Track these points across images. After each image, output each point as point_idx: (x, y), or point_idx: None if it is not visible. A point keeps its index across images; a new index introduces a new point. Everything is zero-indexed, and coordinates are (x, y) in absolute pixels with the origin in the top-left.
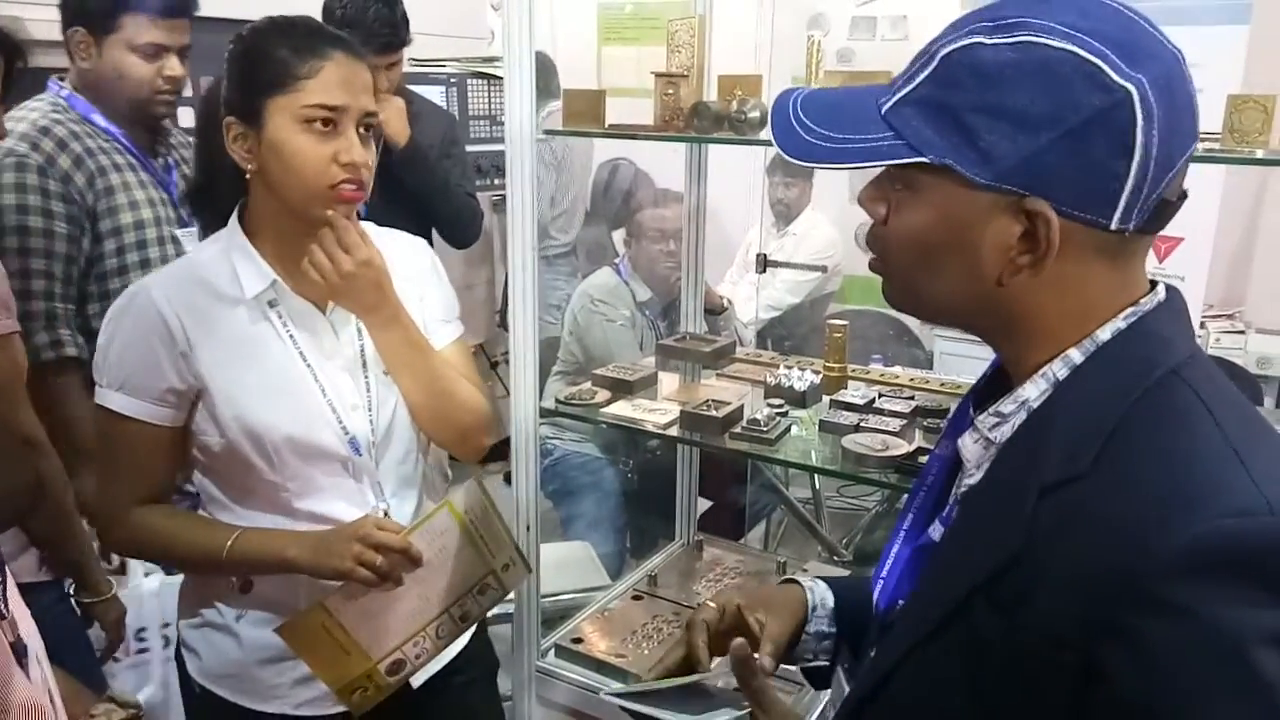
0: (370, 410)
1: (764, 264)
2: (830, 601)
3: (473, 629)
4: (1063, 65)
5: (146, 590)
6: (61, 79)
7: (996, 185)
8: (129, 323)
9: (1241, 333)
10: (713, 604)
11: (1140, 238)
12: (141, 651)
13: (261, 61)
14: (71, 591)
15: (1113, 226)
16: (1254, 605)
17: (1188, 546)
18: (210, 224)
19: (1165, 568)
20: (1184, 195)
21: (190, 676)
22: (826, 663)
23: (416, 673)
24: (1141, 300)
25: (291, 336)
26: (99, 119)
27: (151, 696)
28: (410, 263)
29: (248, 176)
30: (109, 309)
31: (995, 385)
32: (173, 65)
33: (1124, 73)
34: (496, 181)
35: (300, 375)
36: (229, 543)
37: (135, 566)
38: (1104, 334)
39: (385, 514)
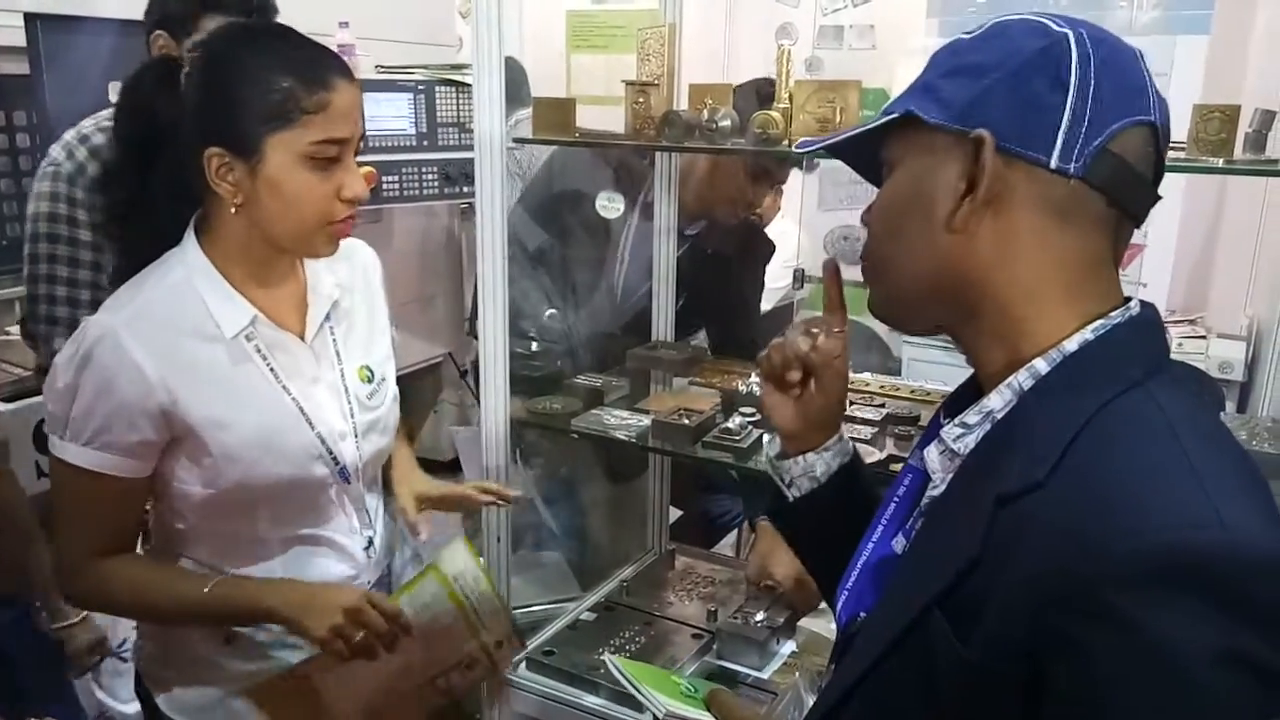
0: (357, 436)
1: (802, 279)
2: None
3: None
4: (1014, 26)
5: None
6: None
7: (947, 125)
8: (97, 373)
9: (1203, 338)
10: None
11: (1090, 198)
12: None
13: (259, 90)
14: (40, 609)
15: (1053, 164)
16: (1201, 620)
17: (1134, 556)
18: (136, 244)
19: (1111, 576)
20: (1146, 182)
21: (160, 711)
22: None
23: None
24: (1113, 313)
25: (273, 370)
26: None
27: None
28: (372, 274)
29: (233, 210)
30: (59, 360)
31: (967, 397)
32: None
33: (1063, 24)
34: (465, 189)
35: (288, 411)
36: (205, 590)
37: None
38: (1071, 345)
39: (370, 542)
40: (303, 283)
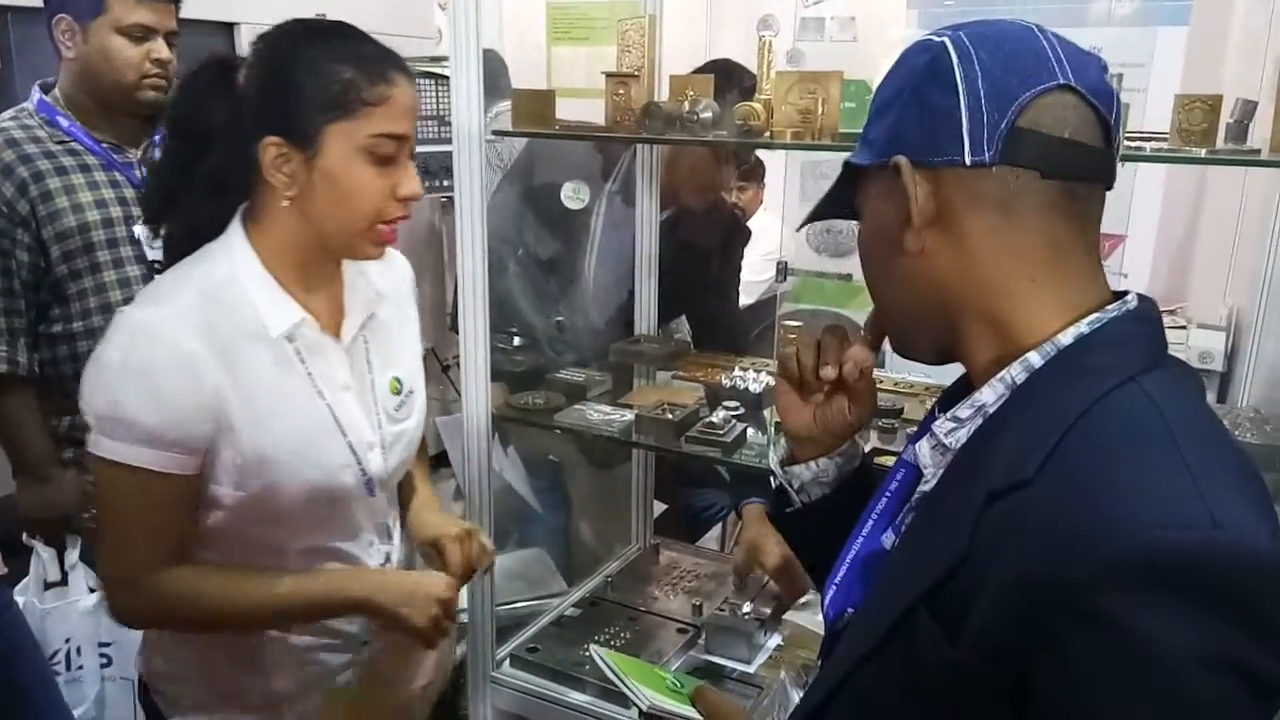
0: (383, 448)
1: (785, 272)
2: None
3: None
4: (908, 51)
5: (81, 608)
6: (48, 86)
7: (874, 163)
8: (145, 366)
9: (1184, 328)
10: None
11: (1024, 179)
12: (78, 669)
13: (321, 79)
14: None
15: (968, 160)
16: (1189, 622)
17: (1123, 556)
18: (174, 233)
19: (1099, 577)
20: (1078, 145)
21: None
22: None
23: None
24: (1109, 307)
25: (310, 374)
26: (63, 120)
27: (85, 713)
28: (404, 285)
29: (285, 203)
30: (103, 356)
31: (961, 391)
32: (160, 48)
33: (941, 33)
34: (445, 183)
35: (323, 417)
36: (280, 590)
37: (77, 579)
38: (1065, 338)
39: (388, 558)
40: (341, 289)
